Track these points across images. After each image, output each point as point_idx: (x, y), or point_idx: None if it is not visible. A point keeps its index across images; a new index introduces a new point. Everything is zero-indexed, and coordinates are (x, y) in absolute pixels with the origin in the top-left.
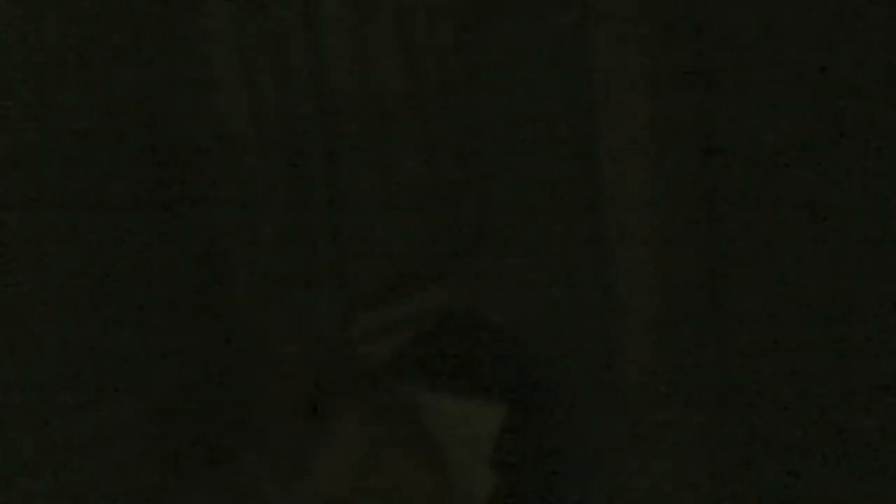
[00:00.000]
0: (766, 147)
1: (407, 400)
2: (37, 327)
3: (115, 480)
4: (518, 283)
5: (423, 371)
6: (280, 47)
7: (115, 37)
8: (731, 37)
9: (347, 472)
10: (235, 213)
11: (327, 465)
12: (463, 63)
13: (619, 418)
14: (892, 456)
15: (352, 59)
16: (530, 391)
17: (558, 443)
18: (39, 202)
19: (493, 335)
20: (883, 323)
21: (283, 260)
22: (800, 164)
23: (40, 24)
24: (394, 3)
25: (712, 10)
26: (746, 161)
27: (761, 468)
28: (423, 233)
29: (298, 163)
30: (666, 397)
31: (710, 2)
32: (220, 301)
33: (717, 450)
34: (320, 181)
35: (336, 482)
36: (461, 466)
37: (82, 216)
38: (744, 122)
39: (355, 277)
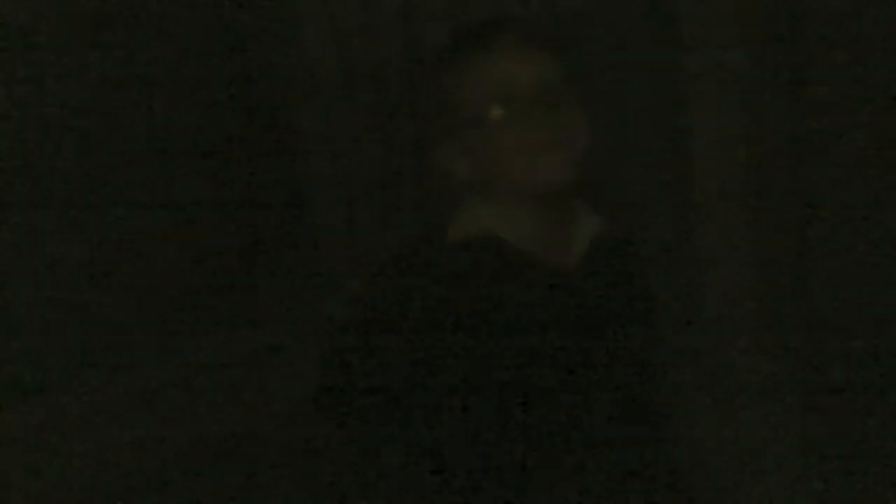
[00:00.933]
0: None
1: None
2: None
3: None
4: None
5: None
6: None
7: None
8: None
9: None
10: (320, 155)
11: None
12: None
13: (701, 361)
14: None
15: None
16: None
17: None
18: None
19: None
20: None
21: (366, 200)
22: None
23: None
24: None
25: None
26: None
27: (840, 418)
28: None
29: (384, 106)
30: (748, 345)
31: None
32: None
33: (795, 397)
34: (405, 122)
35: None
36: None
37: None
38: None
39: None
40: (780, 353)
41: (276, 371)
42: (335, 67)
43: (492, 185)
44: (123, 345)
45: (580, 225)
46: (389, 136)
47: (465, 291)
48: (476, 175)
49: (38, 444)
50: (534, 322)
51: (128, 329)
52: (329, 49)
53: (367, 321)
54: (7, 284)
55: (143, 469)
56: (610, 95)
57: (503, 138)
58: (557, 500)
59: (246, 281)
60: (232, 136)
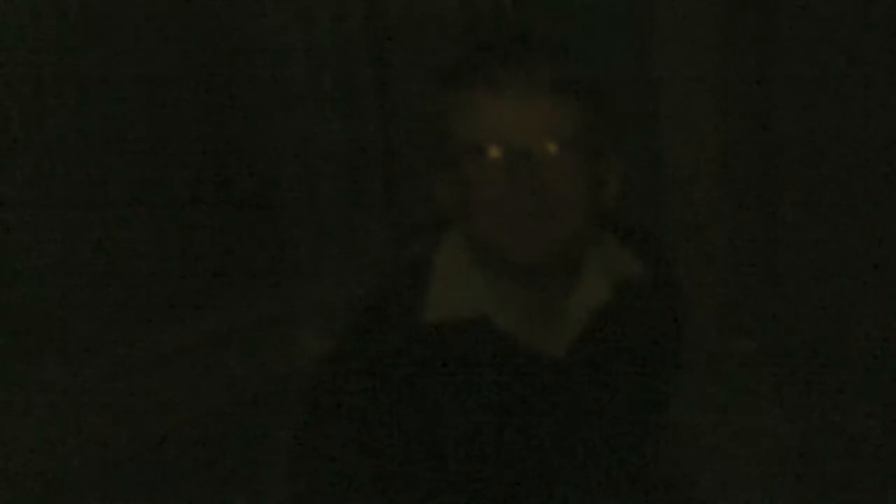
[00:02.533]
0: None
1: None
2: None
3: None
4: None
5: None
6: None
7: None
8: None
9: None
10: (287, 138)
11: None
12: None
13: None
14: None
15: None
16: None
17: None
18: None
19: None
20: None
21: (334, 188)
22: None
23: None
24: None
25: None
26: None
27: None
28: None
29: (350, 86)
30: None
31: None
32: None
33: (771, 381)
34: (372, 104)
35: None
36: None
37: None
38: None
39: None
40: (753, 339)
41: (237, 357)
42: (301, 54)
43: (474, 239)
44: (85, 333)
45: (584, 291)
46: (357, 131)
47: (445, 375)
48: (462, 219)
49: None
50: (510, 412)
51: (91, 318)
52: (295, 32)
53: (344, 383)
54: None
55: (104, 458)
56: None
57: (478, 193)
58: None
59: (210, 268)
60: (198, 131)
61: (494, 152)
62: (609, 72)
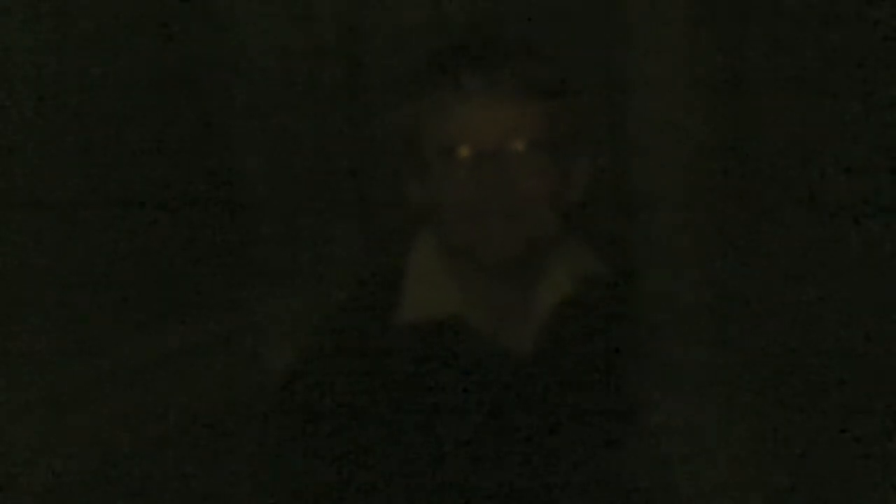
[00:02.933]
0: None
1: None
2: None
3: None
4: None
5: None
6: None
7: None
8: None
9: None
10: (256, 146)
11: None
12: None
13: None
14: None
15: None
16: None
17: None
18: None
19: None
20: None
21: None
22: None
23: None
24: None
25: None
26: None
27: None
28: None
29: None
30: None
31: None
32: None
33: (734, 388)
34: (342, 113)
35: None
36: None
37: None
38: None
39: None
40: (726, 346)
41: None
42: (273, 57)
43: (444, 239)
44: (57, 340)
45: (547, 286)
46: (328, 129)
47: (417, 374)
48: (432, 219)
49: None
50: (481, 408)
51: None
52: (264, 35)
53: (315, 384)
54: None
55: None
56: None
57: (448, 194)
58: None
59: (178, 278)
60: (164, 128)
61: (463, 152)
62: (579, 71)
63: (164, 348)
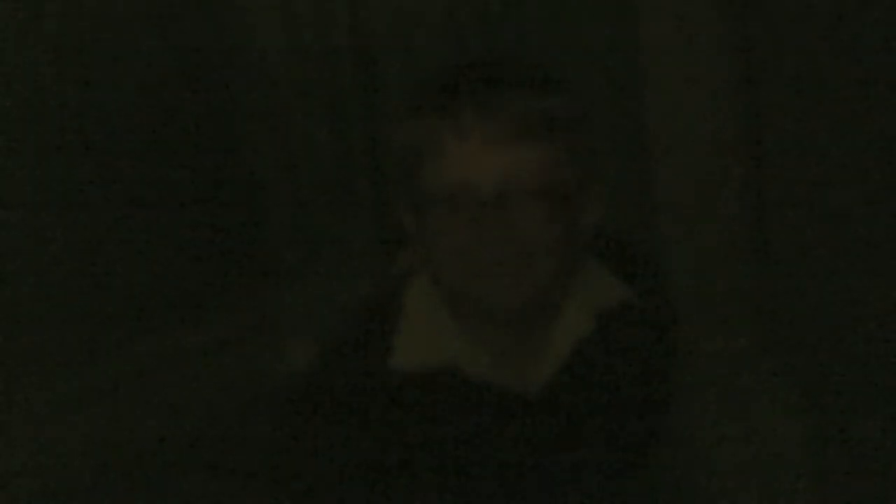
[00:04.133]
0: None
1: None
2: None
3: None
4: None
5: None
6: None
7: None
8: None
9: None
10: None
11: None
12: None
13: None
14: None
15: None
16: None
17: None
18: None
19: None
20: None
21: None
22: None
23: None
24: None
25: None
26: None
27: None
28: None
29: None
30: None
31: None
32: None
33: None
34: (359, 110)
35: None
36: None
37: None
38: None
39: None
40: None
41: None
42: (287, 58)
43: (444, 288)
44: (76, 340)
45: (562, 326)
46: (341, 127)
47: (411, 421)
48: (430, 266)
49: None
50: (484, 457)
51: (79, 325)
52: (277, 34)
53: (308, 423)
54: None
55: (98, 465)
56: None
57: (450, 244)
58: None
59: (195, 276)
60: (179, 128)
61: (462, 200)
62: (591, 100)
63: (182, 346)
